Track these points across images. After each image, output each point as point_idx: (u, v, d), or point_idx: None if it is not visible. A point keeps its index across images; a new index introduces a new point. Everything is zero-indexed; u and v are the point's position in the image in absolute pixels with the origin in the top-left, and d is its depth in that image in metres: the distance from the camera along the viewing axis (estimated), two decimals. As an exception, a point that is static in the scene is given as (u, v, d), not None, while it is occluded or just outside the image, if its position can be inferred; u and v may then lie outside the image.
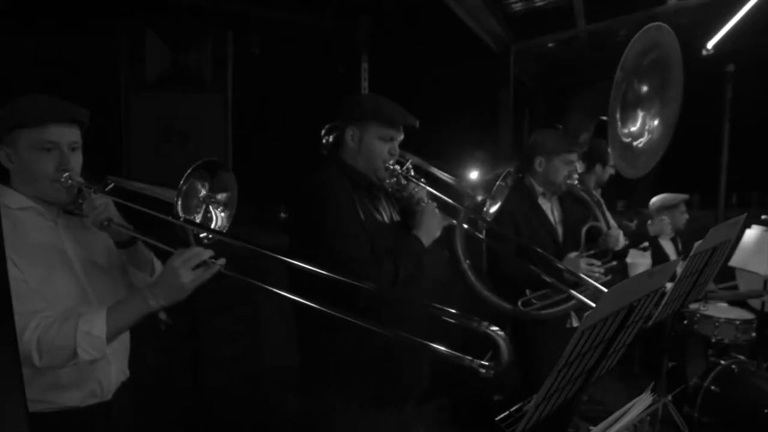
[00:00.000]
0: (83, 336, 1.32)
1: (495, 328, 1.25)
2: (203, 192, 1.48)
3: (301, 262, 1.37)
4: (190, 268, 1.32)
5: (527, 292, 2.47)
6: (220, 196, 1.50)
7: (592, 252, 2.61)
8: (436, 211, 1.91)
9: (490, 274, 2.59)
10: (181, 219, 1.39)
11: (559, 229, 2.68)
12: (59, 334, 1.31)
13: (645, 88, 2.77)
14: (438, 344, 1.27)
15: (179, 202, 1.37)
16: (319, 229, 1.72)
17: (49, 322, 1.32)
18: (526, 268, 2.36)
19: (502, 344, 1.23)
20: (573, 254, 2.51)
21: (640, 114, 2.83)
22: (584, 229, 2.65)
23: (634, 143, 2.84)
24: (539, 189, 2.66)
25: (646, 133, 2.86)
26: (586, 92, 3.04)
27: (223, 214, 1.52)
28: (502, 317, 2.58)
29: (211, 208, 1.50)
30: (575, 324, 2.66)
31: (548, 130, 2.78)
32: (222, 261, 1.36)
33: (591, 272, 2.41)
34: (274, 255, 1.36)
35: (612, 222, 2.75)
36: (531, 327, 2.55)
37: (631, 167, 2.77)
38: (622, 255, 2.74)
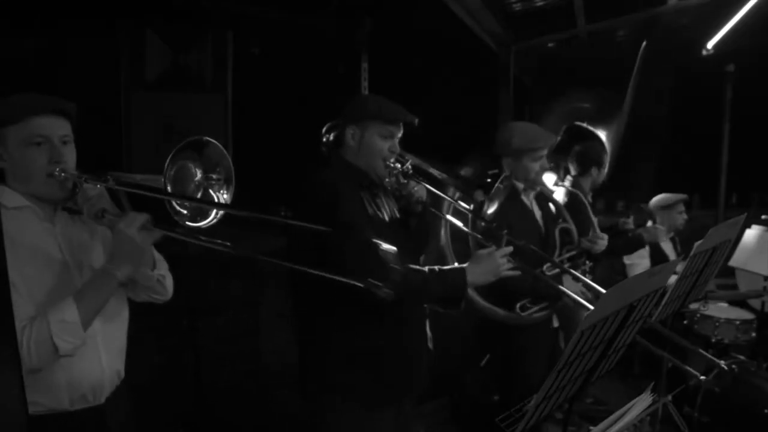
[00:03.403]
0: (57, 325, 1.31)
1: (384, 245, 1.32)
2: (199, 175, 1.45)
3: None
4: (137, 229, 1.36)
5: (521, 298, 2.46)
6: (216, 176, 1.47)
7: (573, 253, 2.62)
8: (502, 260, 1.85)
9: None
10: (171, 193, 1.37)
11: (541, 225, 2.66)
12: (33, 333, 1.30)
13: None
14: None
15: (169, 187, 1.34)
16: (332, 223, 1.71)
17: (25, 325, 1.31)
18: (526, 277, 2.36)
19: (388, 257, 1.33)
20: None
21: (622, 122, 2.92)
22: (557, 230, 2.64)
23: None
24: (520, 185, 2.60)
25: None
26: (561, 98, 3.08)
27: (225, 196, 1.48)
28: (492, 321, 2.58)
29: (210, 191, 1.48)
30: (556, 324, 2.66)
31: (510, 126, 2.66)
32: (145, 216, 1.39)
33: (584, 294, 2.38)
34: (279, 219, 1.40)
35: (597, 228, 2.76)
36: (513, 330, 2.52)
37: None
38: (597, 258, 2.73)
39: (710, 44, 4.51)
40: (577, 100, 3.06)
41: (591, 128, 2.91)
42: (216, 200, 1.48)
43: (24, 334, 1.29)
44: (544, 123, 3.05)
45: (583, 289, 2.39)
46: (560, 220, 2.71)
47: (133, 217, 1.38)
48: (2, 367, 0.75)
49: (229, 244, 1.35)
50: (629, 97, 2.81)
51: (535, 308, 2.46)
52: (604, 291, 2.10)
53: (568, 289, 2.32)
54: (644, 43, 2.68)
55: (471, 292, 2.56)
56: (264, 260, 1.36)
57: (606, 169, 3.36)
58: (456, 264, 1.89)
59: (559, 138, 3.09)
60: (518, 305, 2.44)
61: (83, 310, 1.35)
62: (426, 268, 1.79)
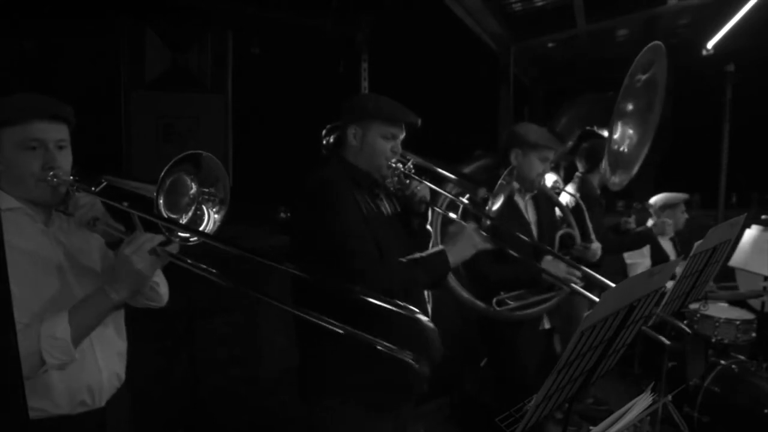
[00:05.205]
0: (47, 340, 1.28)
1: (425, 319, 1.22)
2: (194, 188, 1.41)
3: (291, 268, 1.32)
4: (144, 254, 1.29)
5: (501, 292, 2.44)
6: (212, 191, 1.43)
7: (566, 258, 2.59)
8: (475, 234, 1.86)
9: (467, 269, 2.53)
10: (165, 217, 1.33)
11: (534, 230, 2.61)
12: (23, 342, 1.23)
13: (630, 106, 2.81)
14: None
15: (161, 201, 1.30)
16: (327, 226, 1.71)
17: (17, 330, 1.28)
18: (509, 269, 2.37)
19: (432, 335, 1.21)
20: (548, 258, 2.44)
21: (620, 126, 2.88)
22: (558, 235, 2.61)
23: (620, 149, 2.91)
24: (515, 185, 2.55)
25: (624, 145, 2.91)
26: (576, 100, 3.07)
27: (216, 215, 1.44)
28: (478, 317, 2.58)
29: (203, 207, 1.44)
30: (547, 326, 2.64)
31: (529, 124, 2.69)
32: (174, 248, 1.32)
33: (570, 276, 2.36)
34: (259, 259, 1.31)
35: (593, 236, 2.72)
36: (504, 329, 2.51)
37: (615, 175, 2.82)
38: (596, 264, 2.70)
39: (710, 44, 4.52)
40: (586, 104, 3.05)
41: (603, 133, 2.89)
42: (208, 216, 1.44)
43: None
44: (557, 126, 3.04)
45: (570, 275, 2.37)
46: (564, 225, 2.68)
47: (141, 242, 1.30)
48: (2, 370, 0.75)
49: (214, 271, 1.31)
50: (658, 105, 2.79)
51: (513, 305, 2.43)
52: (604, 279, 2.10)
53: (551, 270, 2.32)
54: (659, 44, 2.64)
55: (453, 284, 2.55)
56: (263, 264, 1.32)
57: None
58: (433, 248, 1.87)
59: (571, 143, 3.08)
60: (495, 300, 2.41)
61: (75, 327, 1.31)
62: (406, 259, 1.77)
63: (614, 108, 2.54)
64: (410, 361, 1.17)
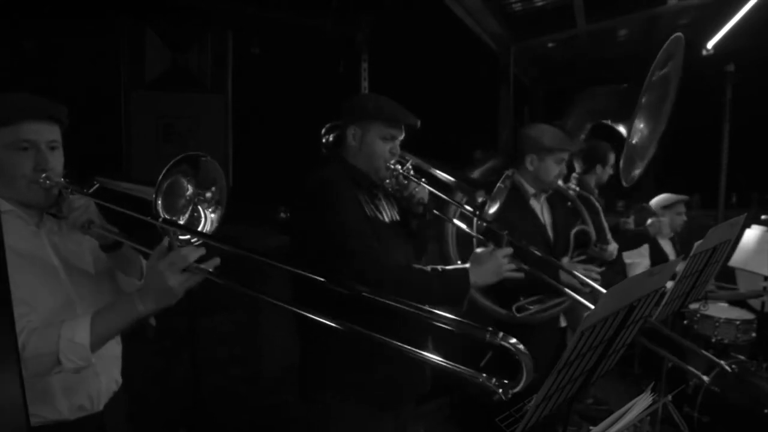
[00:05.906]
0: (66, 343, 1.26)
1: (513, 341, 1.11)
2: (190, 190, 1.39)
3: (295, 267, 1.31)
4: (178, 271, 1.24)
5: (520, 297, 2.40)
6: (209, 194, 1.41)
7: (582, 257, 2.56)
8: (505, 261, 1.83)
9: None
10: (161, 219, 1.29)
11: (550, 232, 2.57)
12: (41, 341, 1.25)
13: (643, 99, 2.78)
14: (445, 358, 1.16)
15: (159, 202, 1.29)
16: (327, 226, 1.71)
17: (32, 328, 1.26)
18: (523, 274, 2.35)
19: (524, 359, 1.07)
20: (565, 259, 2.44)
21: (635, 120, 2.86)
22: (573, 233, 2.58)
23: (633, 142, 2.87)
24: (530, 189, 2.52)
25: (636, 137, 2.88)
26: (585, 94, 3.04)
27: (213, 215, 1.42)
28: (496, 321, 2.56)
29: (200, 208, 1.41)
30: (563, 324, 2.64)
31: (541, 125, 2.62)
32: (215, 262, 1.28)
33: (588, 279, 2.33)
34: (261, 258, 1.29)
35: (609, 236, 2.69)
36: (523, 333, 2.47)
37: (632, 171, 2.79)
38: (611, 262, 2.68)
39: (710, 44, 4.52)
40: (599, 97, 3.01)
41: (616, 127, 2.86)
42: (204, 217, 1.42)
43: (28, 340, 1.25)
44: (567, 123, 3.01)
45: (578, 284, 2.34)
46: (579, 222, 2.63)
47: (178, 258, 1.24)
48: (2, 371, 0.74)
49: (211, 270, 1.28)
50: (671, 97, 2.74)
51: (533, 309, 2.40)
52: (603, 289, 2.09)
53: (564, 282, 2.30)
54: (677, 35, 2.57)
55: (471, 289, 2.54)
56: (264, 264, 1.31)
57: (610, 167, 3.37)
58: (459, 263, 1.86)
59: (583, 137, 3.05)
60: (515, 306, 2.38)
61: (96, 332, 1.29)
62: (428, 268, 1.77)
63: (637, 103, 2.47)
64: (494, 388, 1.10)
